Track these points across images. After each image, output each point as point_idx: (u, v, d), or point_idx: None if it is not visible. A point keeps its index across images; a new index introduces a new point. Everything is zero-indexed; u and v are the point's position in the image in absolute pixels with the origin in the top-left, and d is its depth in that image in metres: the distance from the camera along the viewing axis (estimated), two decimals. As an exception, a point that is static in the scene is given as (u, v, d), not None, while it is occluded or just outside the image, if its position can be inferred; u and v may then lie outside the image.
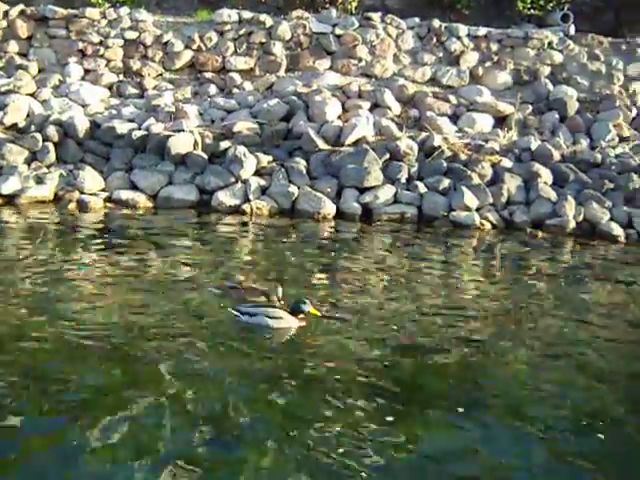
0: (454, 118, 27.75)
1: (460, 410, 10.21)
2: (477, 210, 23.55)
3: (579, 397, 11.24)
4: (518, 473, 9.00)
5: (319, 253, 19.17)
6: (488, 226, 23.29)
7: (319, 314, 12.87)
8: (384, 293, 15.92)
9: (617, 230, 24.46)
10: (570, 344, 13.52)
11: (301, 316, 12.68)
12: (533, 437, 9.82)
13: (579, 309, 16.04)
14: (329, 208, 23.03)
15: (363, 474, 8.45)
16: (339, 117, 26.44)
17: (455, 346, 12.71)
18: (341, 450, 8.84)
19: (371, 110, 26.99)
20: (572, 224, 23.95)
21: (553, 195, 24.41)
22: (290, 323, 12.63)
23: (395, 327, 13.38)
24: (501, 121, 27.82)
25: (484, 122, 27.64)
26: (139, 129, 25.16)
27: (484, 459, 9.16)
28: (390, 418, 9.73)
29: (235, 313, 12.75)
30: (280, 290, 13.70)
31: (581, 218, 24.25)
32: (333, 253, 19.19)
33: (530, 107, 28.45)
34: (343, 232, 21.83)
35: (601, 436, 9.90)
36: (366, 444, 9.04)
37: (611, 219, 24.76)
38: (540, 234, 23.32)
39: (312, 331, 12.74)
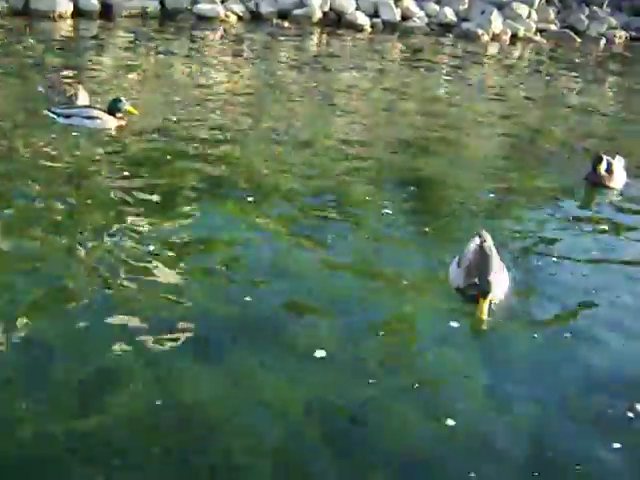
0: None
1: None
2: (222, 2, 22.84)
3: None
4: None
5: (62, 53, 17.79)
6: (234, 18, 22.72)
7: (136, 112, 12.21)
8: (138, 89, 15.03)
9: (363, 19, 24.68)
10: (315, 125, 13.63)
11: (119, 115, 11.99)
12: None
13: (326, 93, 16.12)
14: (65, 5, 21.51)
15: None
16: None
17: (221, 134, 12.38)
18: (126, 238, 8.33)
19: None
20: (318, 14, 23.86)
21: (299, -15, 24.08)
22: (108, 123, 11.95)
23: (170, 118, 12.79)
24: None
25: None
26: None
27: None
28: (187, 208, 9.23)
29: (51, 115, 11.97)
30: (81, 88, 13.00)
31: (327, 8, 24.20)
32: (76, 52, 17.97)
33: None
34: (83, 30, 20.54)
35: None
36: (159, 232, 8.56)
37: (357, 9, 24.90)
38: (286, 24, 23.07)
39: (128, 130, 11.97)
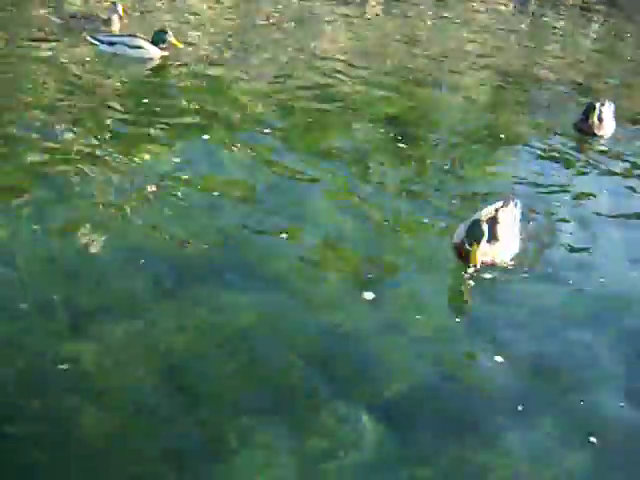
0: None
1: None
2: None
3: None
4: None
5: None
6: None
7: (181, 45, 12.33)
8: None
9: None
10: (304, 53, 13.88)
11: (163, 46, 12.12)
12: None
13: (312, 24, 16.14)
14: None
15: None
16: None
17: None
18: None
19: None
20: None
21: None
22: (151, 53, 12.10)
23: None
24: None
25: None
26: None
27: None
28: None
29: (95, 42, 12.14)
30: (120, 8, 13.12)
31: None
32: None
33: None
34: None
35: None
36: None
37: None
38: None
39: (173, 61, 12.25)
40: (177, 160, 8.74)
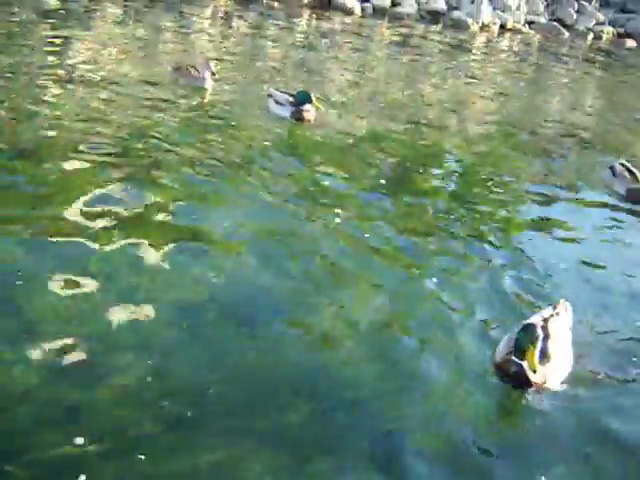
0: None
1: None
2: (213, -20, 22.65)
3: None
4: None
5: (50, 25, 17.27)
6: (225, -4, 22.54)
7: (322, 108, 12.08)
8: (131, 61, 14.78)
9: (352, 3, 24.57)
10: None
11: (305, 107, 11.79)
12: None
13: (313, 70, 16.14)
14: (53, -23, 21.05)
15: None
16: None
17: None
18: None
19: None
20: (309, -4, 23.72)
21: (289, -36, 23.90)
22: (286, 112, 11.94)
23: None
24: None
25: None
26: None
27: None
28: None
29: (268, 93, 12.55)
30: (213, 65, 13.08)
31: (318, -10, 24.05)
32: (66, 25, 17.47)
33: None
34: (72, 3, 20.04)
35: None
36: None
37: (348, -8, 24.77)
38: (276, 5, 22.97)
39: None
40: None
